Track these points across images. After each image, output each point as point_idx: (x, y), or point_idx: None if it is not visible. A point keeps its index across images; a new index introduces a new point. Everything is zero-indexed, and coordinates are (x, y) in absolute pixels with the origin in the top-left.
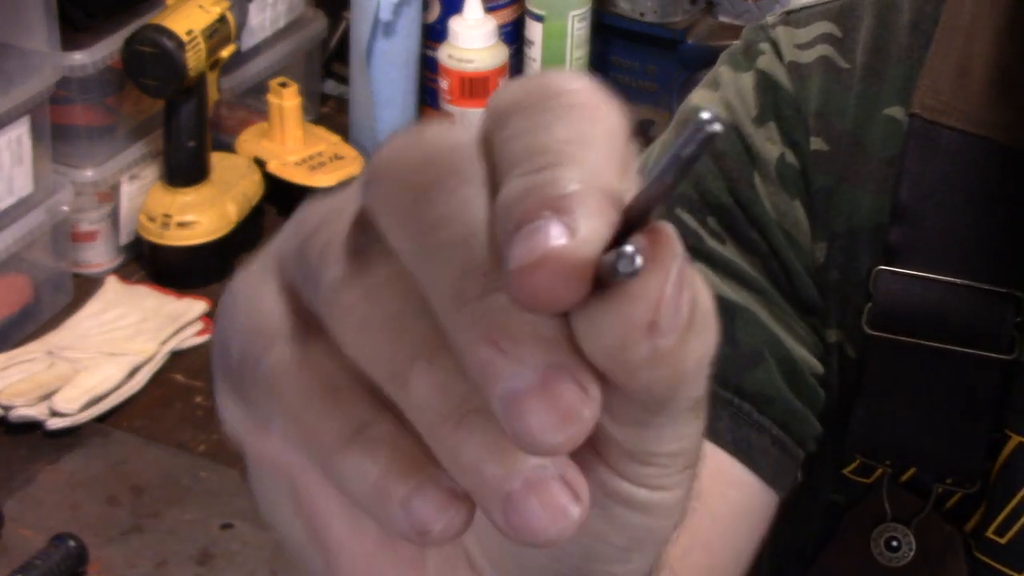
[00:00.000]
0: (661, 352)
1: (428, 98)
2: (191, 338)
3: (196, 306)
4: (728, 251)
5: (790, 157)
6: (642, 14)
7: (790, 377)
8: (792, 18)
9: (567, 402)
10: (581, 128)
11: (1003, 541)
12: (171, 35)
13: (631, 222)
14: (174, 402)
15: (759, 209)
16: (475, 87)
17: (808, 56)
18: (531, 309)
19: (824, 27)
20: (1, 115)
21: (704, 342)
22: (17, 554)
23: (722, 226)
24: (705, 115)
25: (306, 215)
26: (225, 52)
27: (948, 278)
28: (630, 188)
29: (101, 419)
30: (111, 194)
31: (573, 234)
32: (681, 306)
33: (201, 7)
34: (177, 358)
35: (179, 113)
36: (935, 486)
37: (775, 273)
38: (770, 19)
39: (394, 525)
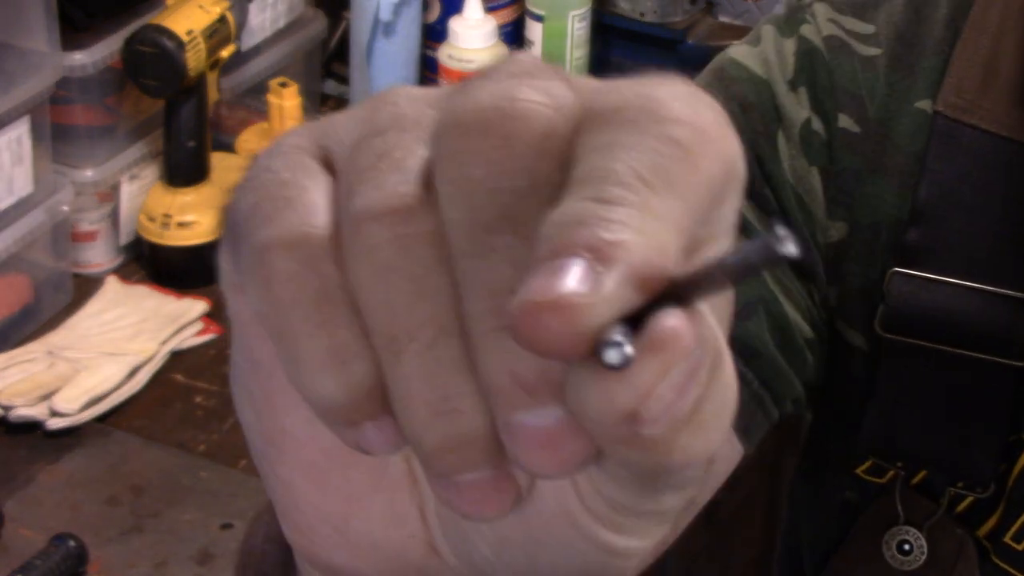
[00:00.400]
0: (643, 439)
1: None
2: (191, 338)
3: (196, 306)
4: None
5: (817, 124)
6: (642, 14)
7: (781, 336)
8: None
9: (572, 452)
10: (672, 171)
11: (1020, 548)
12: (171, 35)
13: (667, 296)
14: (174, 402)
15: (776, 168)
16: None
17: (844, 36)
18: (524, 347)
19: (851, 23)
20: (1, 115)
21: (702, 442)
22: (17, 554)
23: None
24: (781, 231)
25: (382, 106)
26: (225, 52)
27: (964, 282)
28: (688, 257)
29: (101, 419)
30: (111, 194)
31: (597, 290)
32: (677, 404)
33: (201, 7)
34: (177, 358)
35: (179, 113)
36: (947, 489)
37: None
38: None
39: (345, 440)
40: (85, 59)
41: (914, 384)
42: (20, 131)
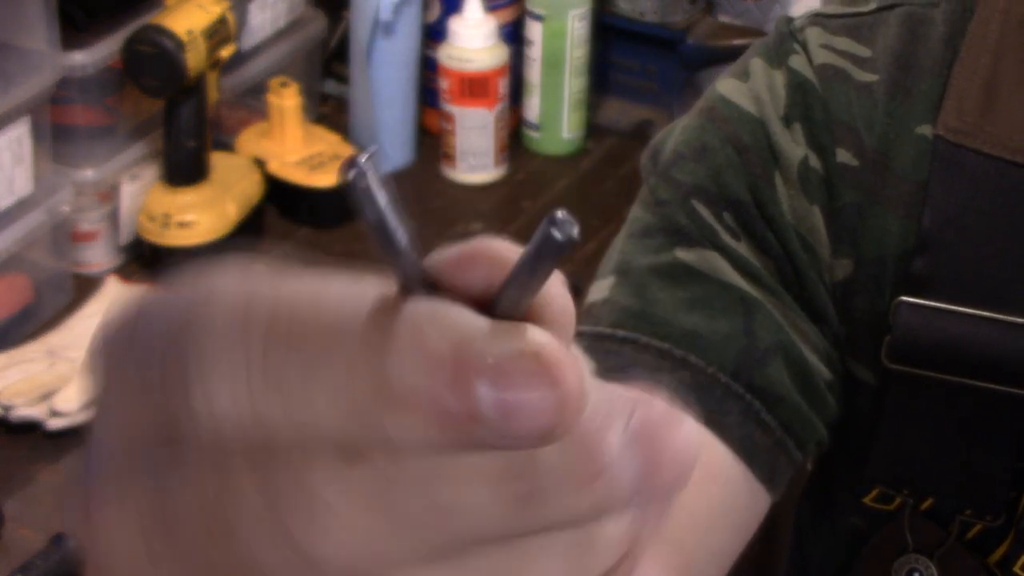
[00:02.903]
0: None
1: (428, 98)
2: None
3: None
4: (743, 249)
5: (814, 161)
6: (642, 14)
7: (801, 380)
8: (822, 21)
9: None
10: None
11: None
12: (171, 35)
13: (494, 311)
14: None
15: (776, 210)
16: (475, 87)
17: (838, 62)
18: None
19: (846, 44)
20: (1, 115)
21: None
22: (17, 554)
23: (738, 223)
24: (560, 215)
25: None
26: (225, 52)
27: (970, 310)
28: None
29: None
30: (111, 194)
31: None
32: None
33: (201, 7)
34: None
35: (179, 113)
36: (956, 517)
37: (787, 277)
38: (798, 22)
39: None
40: (85, 59)
41: (922, 415)
42: (20, 131)
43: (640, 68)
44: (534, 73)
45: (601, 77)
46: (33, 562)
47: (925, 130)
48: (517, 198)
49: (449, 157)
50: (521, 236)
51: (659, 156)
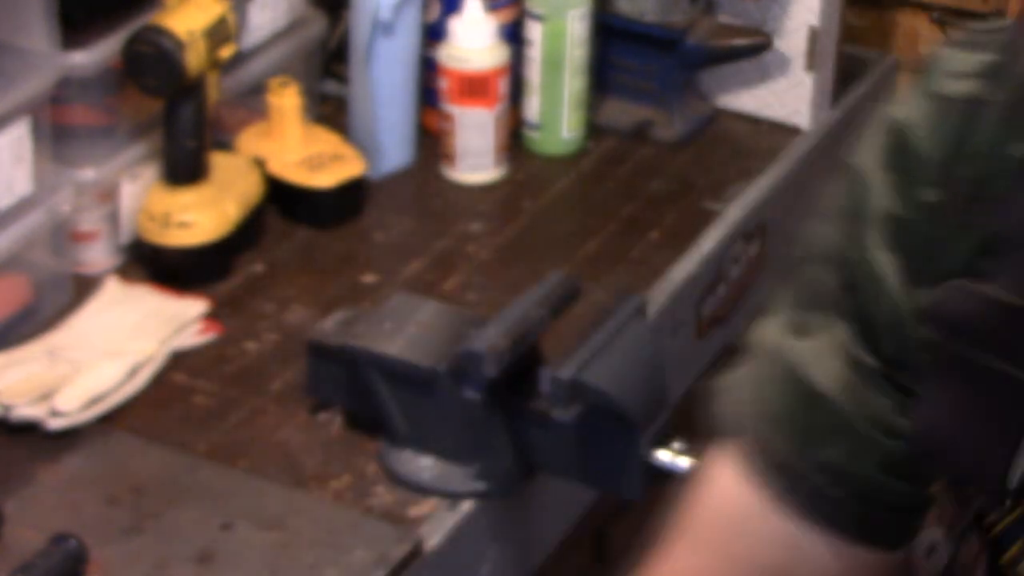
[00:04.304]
0: None
1: (428, 98)
2: (191, 338)
3: (196, 306)
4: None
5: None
6: (642, 14)
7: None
8: (963, 39)
9: None
10: None
11: None
12: (171, 35)
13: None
14: (174, 402)
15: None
16: (475, 87)
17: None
18: None
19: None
20: (1, 115)
21: None
22: (17, 554)
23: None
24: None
25: None
26: (225, 52)
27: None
28: None
29: (101, 419)
30: (111, 194)
31: None
32: None
33: (201, 7)
34: (177, 358)
35: (179, 113)
36: (974, 500)
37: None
38: (944, 49)
39: None
40: (85, 59)
41: (963, 392)
42: (20, 131)
43: (640, 68)
44: (534, 73)
45: (601, 77)
46: (33, 562)
47: None
48: (517, 198)
49: (449, 157)
50: (521, 236)
51: None
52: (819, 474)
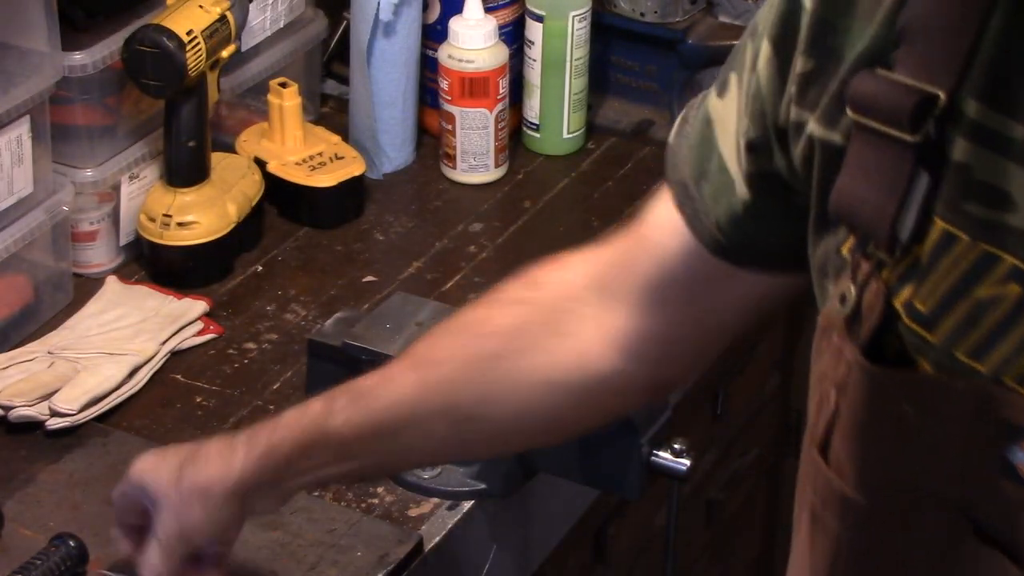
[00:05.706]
0: None
1: (428, 98)
2: (191, 338)
3: (196, 306)
4: None
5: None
6: (642, 14)
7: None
8: None
9: None
10: None
11: (924, 310)
12: (171, 35)
13: None
14: (174, 402)
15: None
16: (475, 87)
17: None
18: None
19: None
20: (1, 115)
21: None
22: (17, 554)
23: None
24: None
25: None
26: (225, 52)
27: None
28: None
29: (101, 419)
30: (111, 194)
31: None
32: None
33: (201, 7)
34: (177, 358)
35: (179, 113)
36: (874, 252)
37: None
38: None
39: None
40: (85, 59)
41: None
42: (20, 131)
43: (640, 68)
44: (534, 73)
45: (601, 77)
46: (33, 562)
47: None
48: (517, 198)
49: (449, 157)
50: (521, 236)
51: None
52: (699, 204)
